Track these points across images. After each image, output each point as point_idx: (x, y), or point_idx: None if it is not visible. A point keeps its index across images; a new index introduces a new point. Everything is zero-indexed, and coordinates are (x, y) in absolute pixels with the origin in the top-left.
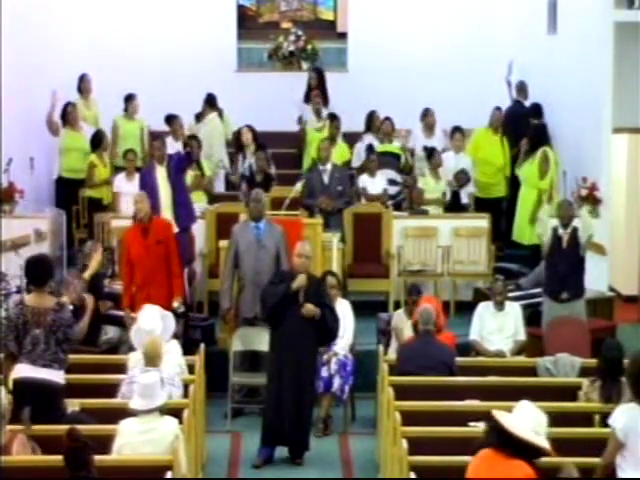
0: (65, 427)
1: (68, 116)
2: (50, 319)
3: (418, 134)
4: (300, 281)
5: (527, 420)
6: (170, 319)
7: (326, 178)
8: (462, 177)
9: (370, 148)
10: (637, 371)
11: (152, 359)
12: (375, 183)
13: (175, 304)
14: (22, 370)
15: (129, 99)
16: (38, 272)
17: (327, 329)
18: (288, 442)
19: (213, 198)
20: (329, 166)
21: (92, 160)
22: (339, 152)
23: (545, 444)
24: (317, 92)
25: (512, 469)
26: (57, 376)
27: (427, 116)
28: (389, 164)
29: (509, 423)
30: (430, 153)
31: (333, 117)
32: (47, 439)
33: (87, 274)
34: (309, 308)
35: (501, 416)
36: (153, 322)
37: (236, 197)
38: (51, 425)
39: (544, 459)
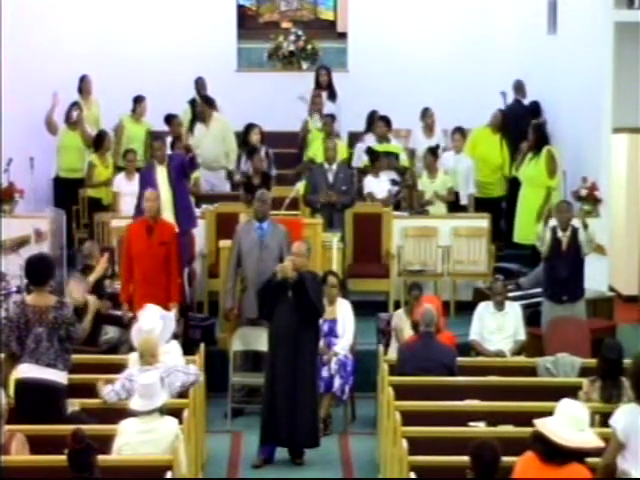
0: (66, 427)
1: (75, 116)
2: (52, 316)
3: (418, 134)
4: (284, 269)
5: (569, 423)
6: (170, 320)
7: (331, 177)
8: None
9: (370, 149)
10: (639, 371)
11: (146, 357)
12: (380, 183)
13: (172, 311)
14: (26, 370)
15: (138, 100)
16: (39, 271)
17: (308, 302)
18: (284, 441)
19: (199, 198)
20: (335, 166)
21: (92, 160)
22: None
23: (592, 442)
24: (318, 92)
25: (571, 474)
26: (60, 377)
27: (426, 116)
28: (389, 164)
29: (555, 434)
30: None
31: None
32: (47, 439)
33: (92, 277)
34: (284, 266)
35: (543, 426)
36: (153, 322)
37: (235, 197)
38: (51, 425)
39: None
